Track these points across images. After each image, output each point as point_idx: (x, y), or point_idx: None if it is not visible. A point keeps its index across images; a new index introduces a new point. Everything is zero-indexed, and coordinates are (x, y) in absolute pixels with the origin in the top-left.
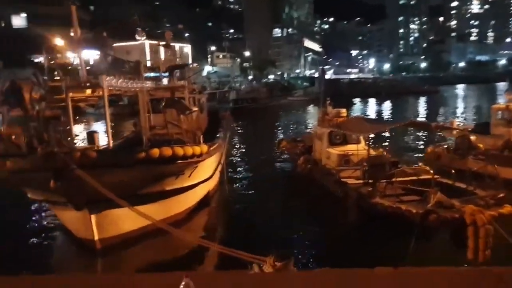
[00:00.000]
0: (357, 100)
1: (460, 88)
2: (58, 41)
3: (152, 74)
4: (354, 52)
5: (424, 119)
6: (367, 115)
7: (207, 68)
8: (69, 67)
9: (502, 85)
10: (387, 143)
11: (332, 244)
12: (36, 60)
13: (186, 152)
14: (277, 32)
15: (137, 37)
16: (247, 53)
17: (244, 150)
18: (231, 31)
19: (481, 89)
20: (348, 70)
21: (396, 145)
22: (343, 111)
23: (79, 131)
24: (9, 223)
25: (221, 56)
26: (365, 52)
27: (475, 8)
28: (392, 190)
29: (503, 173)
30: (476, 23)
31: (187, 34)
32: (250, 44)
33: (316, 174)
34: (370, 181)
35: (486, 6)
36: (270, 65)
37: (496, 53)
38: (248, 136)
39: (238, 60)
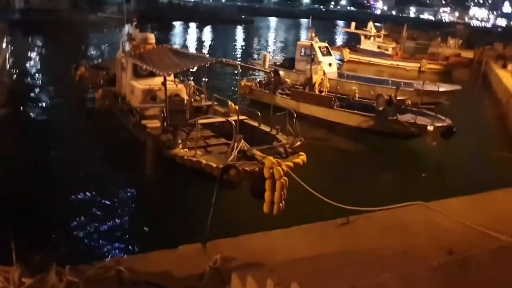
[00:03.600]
0: (178, 24)
1: (272, 21)
2: None
3: None
4: None
5: (241, 49)
6: (186, 42)
7: None
8: None
9: (305, 22)
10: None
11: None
12: None
13: None
14: None
15: None
16: None
17: (29, 78)
18: None
19: (289, 23)
20: None
21: (212, 77)
22: (151, 37)
23: None
24: None
25: None
26: None
27: None
28: (199, 135)
29: (302, 109)
30: None
31: None
32: None
33: (117, 113)
34: (170, 128)
35: None
36: None
37: None
38: (39, 59)
39: None
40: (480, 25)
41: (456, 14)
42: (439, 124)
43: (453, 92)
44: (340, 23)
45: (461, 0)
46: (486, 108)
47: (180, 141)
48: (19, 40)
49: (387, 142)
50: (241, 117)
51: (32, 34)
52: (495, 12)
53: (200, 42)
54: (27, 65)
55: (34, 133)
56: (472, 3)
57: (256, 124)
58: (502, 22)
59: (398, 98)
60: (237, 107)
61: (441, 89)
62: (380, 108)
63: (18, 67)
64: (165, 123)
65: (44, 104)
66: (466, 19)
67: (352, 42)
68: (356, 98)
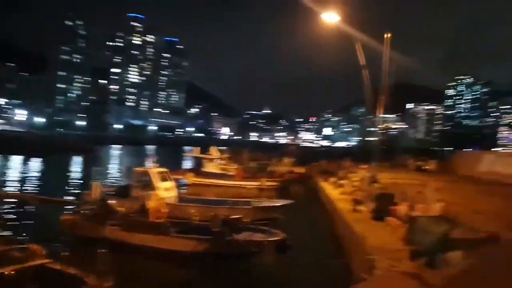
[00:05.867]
0: None
1: (116, 148)
2: None
3: None
4: (2, 101)
5: (73, 180)
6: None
7: None
8: None
9: (151, 148)
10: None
11: None
12: None
13: None
14: None
15: None
16: None
17: None
18: None
19: (134, 150)
20: None
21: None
22: None
23: None
24: None
25: None
26: (17, 102)
27: (133, 78)
28: None
29: (135, 239)
30: (134, 90)
31: None
32: None
33: None
34: None
35: (143, 78)
36: None
37: (148, 120)
38: None
39: None
40: (309, 145)
41: (290, 137)
42: (273, 238)
43: (287, 206)
44: (188, 148)
45: (292, 126)
46: (318, 217)
47: None
48: None
49: (230, 264)
50: (42, 261)
51: None
52: (319, 135)
53: (25, 173)
54: None
55: None
56: (300, 130)
57: (60, 267)
58: (324, 142)
59: (232, 217)
60: (39, 249)
61: (275, 204)
62: (216, 229)
63: None
64: None
65: None
66: (297, 141)
67: (198, 166)
68: (196, 222)
